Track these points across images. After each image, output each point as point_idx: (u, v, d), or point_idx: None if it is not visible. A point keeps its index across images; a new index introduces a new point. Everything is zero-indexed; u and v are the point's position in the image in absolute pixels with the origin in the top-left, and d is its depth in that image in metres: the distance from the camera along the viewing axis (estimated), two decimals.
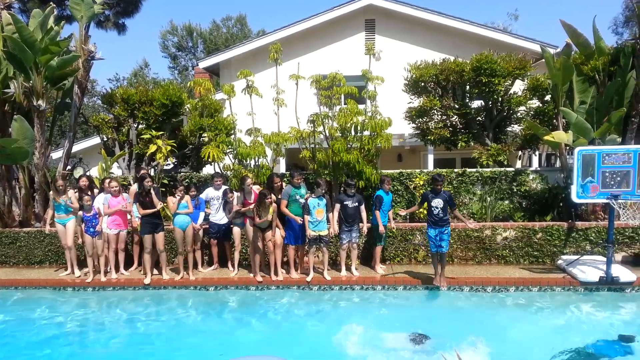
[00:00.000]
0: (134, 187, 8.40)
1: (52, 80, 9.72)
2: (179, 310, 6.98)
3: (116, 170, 11.38)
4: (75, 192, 8.25)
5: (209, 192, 8.41)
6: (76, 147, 13.51)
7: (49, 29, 9.46)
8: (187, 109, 11.23)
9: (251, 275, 7.85)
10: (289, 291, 7.54)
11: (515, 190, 9.46)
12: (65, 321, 6.64)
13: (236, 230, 8.03)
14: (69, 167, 10.32)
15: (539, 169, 10.32)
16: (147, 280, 7.77)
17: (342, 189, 8.20)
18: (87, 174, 10.38)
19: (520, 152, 11.78)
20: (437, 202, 7.17)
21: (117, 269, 8.08)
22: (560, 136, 8.53)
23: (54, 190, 8.16)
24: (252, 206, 7.52)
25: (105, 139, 11.40)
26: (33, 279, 8.17)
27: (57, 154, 12.54)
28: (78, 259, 8.39)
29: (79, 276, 8.14)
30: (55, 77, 9.75)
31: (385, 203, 7.87)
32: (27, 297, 7.70)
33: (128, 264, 8.48)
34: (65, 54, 9.74)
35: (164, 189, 9.46)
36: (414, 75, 10.56)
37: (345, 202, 7.67)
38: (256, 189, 7.84)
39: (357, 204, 7.71)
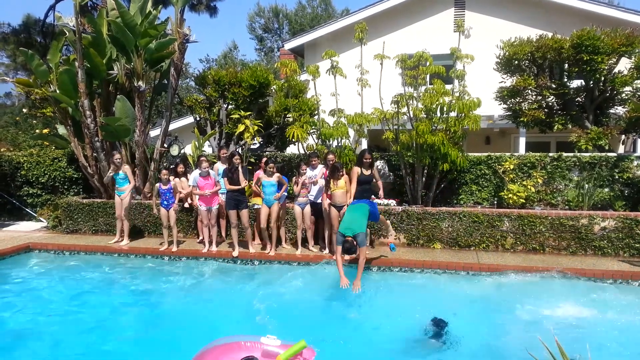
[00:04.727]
0: (217, 165, 8.99)
1: (150, 63, 10.31)
2: (264, 280, 7.34)
3: (207, 149, 11.98)
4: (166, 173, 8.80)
5: (307, 172, 8.60)
6: (172, 126, 14.35)
7: (147, 13, 10.05)
8: (273, 90, 11.52)
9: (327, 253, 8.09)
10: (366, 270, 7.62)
11: (616, 177, 8.79)
12: (170, 285, 7.30)
13: (297, 210, 8.23)
14: (165, 145, 11.00)
15: None
16: (235, 253, 8.18)
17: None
18: (182, 151, 11.06)
19: (623, 136, 10.87)
20: None
21: (210, 243, 8.54)
22: None
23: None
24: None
25: (198, 119, 12.02)
26: (137, 247, 8.90)
27: (154, 132, 13.40)
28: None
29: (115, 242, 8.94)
30: (154, 60, 10.32)
31: None
32: (133, 264, 8.43)
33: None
34: (162, 37, 10.28)
35: (250, 167, 9.84)
36: (507, 53, 9.98)
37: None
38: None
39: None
